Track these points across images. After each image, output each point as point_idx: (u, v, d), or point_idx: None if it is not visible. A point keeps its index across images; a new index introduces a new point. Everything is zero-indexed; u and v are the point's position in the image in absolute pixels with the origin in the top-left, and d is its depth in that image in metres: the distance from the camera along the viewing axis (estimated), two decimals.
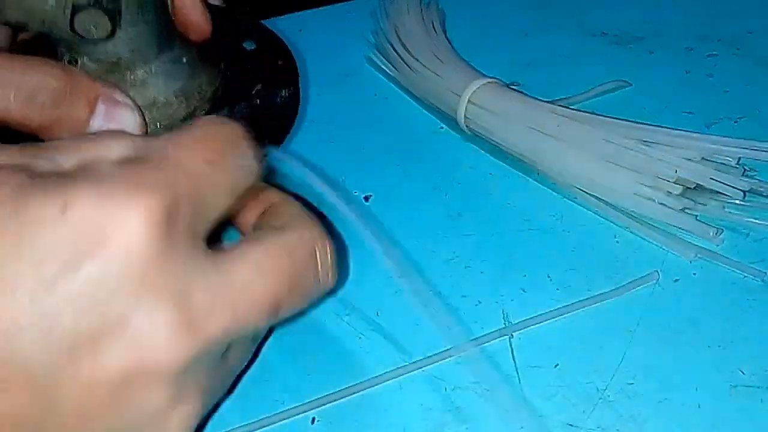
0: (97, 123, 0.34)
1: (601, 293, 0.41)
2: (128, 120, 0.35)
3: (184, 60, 0.40)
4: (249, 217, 0.35)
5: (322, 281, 0.32)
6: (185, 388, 0.27)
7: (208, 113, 0.41)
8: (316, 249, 0.31)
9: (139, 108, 0.36)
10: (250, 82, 0.43)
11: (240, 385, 0.38)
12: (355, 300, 0.42)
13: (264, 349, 0.40)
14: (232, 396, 0.38)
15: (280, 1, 0.71)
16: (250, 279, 0.28)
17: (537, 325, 0.40)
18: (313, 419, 0.36)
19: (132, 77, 0.38)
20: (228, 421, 0.36)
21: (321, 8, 0.73)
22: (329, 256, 0.32)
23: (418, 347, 0.39)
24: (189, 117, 0.40)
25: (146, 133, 0.36)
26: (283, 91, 0.43)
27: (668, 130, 0.45)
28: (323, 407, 0.37)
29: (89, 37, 0.36)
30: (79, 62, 0.38)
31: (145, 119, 0.36)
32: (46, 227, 0.24)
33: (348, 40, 0.66)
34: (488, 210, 0.48)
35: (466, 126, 0.52)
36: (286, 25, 0.69)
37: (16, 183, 0.25)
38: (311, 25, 0.71)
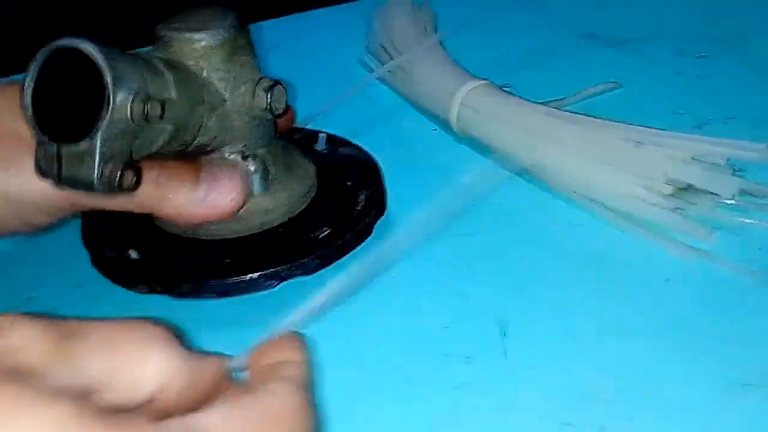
0: (202, 192, 0.40)
1: (595, 292, 0.41)
2: (226, 191, 0.41)
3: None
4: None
5: None
6: None
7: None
8: None
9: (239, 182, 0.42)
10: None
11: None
12: (354, 299, 0.42)
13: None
14: None
15: (280, 3, 0.71)
16: None
17: (534, 325, 0.40)
18: None
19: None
20: None
21: (315, 11, 0.74)
22: None
23: (414, 347, 0.39)
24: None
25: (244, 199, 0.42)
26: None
27: (659, 130, 0.46)
28: (321, 409, 0.37)
29: (279, 111, 0.42)
30: (257, 156, 0.43)
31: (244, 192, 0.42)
32: None
33: (342, 43, 0.66)
34: (481, 211, 0.48)
35: (459, 128, 0.52)
36: (282, 28, 0.69)
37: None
38: (306, 27, 0.72)
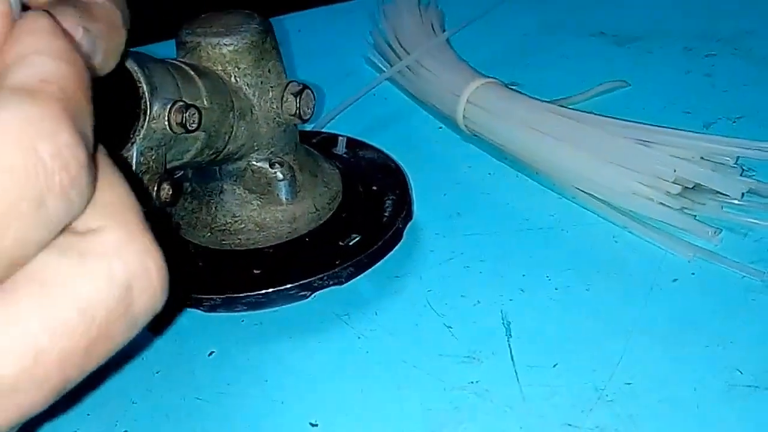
0: None
1: (601, 292, 0.41)
2: None
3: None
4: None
5: (139, 320, 0.23)
6: None
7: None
8: (133, 284, 0.22)
9: None
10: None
11: (237, 386, 0.38)
12: (354, 299, 0.42)
13: (260, 350, 0.40)
14: (230, 396, 0.38)
15: (281, 1, 0.71)
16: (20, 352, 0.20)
17: (538, 325, 0.40)
18: (314, 422, 0.36)
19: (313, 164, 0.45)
20: (226, 423, 0.37)
21: (320, 8, 0.74)
22: (155, 281, 0.23)
23: (416, 347, 0.39)
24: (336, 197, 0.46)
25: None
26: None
27: (667, 129, 0.45)
28: (323, 409, 0.37)
29: (307, 116, 0.42)
30: (284, 162, 0.43)
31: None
32: None
33: (347, 40, 0.66)
34: (487, 210, 0.48)
35: (465, 126, 0.52)
36: (286, 25, 0.69)
37: None
38: (311, 25, 0.72)
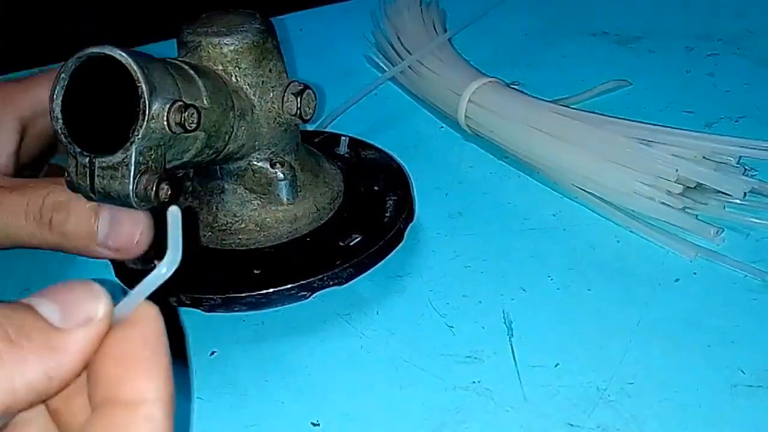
0: (103, 230, 0.38)
1: (603, 292, 0.41)
2: (133, 227, 0.38)
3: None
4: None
5: None
6: None
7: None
8: None
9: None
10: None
11: (240, 386, 0.38)
12: (356, 299, 0.42)
13: (262, 350, 0.40)
14: (231, 396, 0.38)
15: (282, 1, 0.71)
16: None
17: (540, 324, 0.40)
18: (316, 422, 0.36)
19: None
20: (228, 423, 0.37)
21: (321, 7, 0.74)
22: None
23: (417, 346, 0.39)
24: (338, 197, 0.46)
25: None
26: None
27: (669, 129, 0.45)
28: (325, 409, 0.37)
29: (308, 116, 0.42)
30: (284, 162, 0.43)
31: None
32: None
33: (348, 40, 0.66)
34: (489, 209, 0.48)
35: (467, 126, 0.52)
36: (287, 25, 0.69)
37: None
38: (311, 24, 0.72)
